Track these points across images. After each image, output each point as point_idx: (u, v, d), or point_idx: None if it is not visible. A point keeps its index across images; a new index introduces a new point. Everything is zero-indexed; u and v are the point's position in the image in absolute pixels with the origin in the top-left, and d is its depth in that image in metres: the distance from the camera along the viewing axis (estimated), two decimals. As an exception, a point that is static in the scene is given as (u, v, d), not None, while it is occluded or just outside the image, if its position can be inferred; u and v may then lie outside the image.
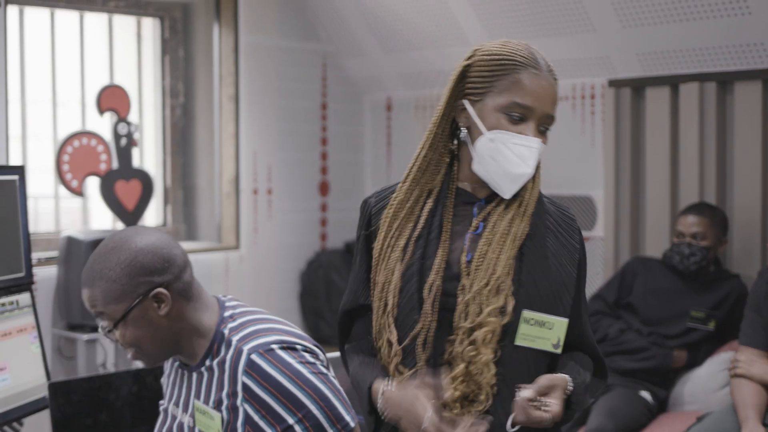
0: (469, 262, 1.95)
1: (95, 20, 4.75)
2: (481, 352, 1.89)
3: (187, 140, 5.10)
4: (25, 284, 3.41)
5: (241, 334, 2.14)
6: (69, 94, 4.65)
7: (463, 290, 1.93)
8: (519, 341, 1.91)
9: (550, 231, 2.00)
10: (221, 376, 2.13)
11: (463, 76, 1.97)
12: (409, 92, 5.36)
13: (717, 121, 4.17)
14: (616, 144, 4.46)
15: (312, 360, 2.11)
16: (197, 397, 2.18)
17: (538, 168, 1.99)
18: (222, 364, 2.14)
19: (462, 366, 1.89)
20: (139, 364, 4.20)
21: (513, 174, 1.93)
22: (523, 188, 1.98)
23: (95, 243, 4.07)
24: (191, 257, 5.02)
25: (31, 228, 4.34)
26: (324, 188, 5.47)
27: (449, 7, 4.65)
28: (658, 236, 4.35)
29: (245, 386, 2.08)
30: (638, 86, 4.41)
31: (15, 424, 3.41)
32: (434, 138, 2.00)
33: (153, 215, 4.99)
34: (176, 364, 2.29)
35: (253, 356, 2.09)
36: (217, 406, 2.11)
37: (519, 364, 1.92)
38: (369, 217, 2.08)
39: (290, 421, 2.06)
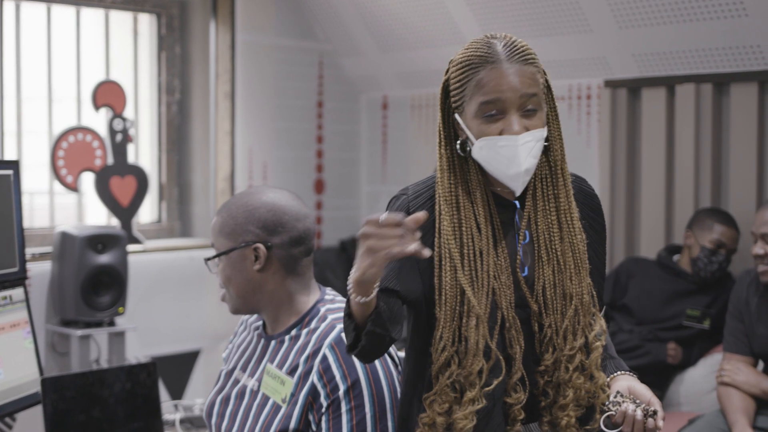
0: (526, 276, 1.94)
1: (92, 16, 4.74)
2: (595, 375, 1.94)
3: (182, 137, 5.09)
4: (19, 279, 3.40)
5: (338, 314, 2.24)
6: (65, 89, 4.64)
7: (537, 313, 1.94)
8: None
9: (584, 219, 2.00)
10: (305, 344, 2.22)
11: (446, 91, 1.97)
12: (406, 91, 5.36)
13: (713, 122, 4.18)
14: (611, 145, 4.46)
15: (392, 366, 2.21)
16: (271, 361, 2.27)
17: (560, 155, 1.96)
18: (310, 333, 2.24)
19: (572, 393, 1.92)
20: (132, 360, 4.20)
21: (509, 175, 1.89)
22: (551, 184, 1.95)
23: (89, 238, 4.07)
24: (185, 254, 5.03)
25: (26, 223, 4.32)
26: (319, 186, 5.47)
27: (446, 7, 4.65)
28: (653, 237, 4.35)
29: (324, 358, 2.16)
30: (634, 87, 4.41)
31: (8, 419, 3.41)
32: (446, 154, 1.97)
33: (148, 212, 4.98)
34: (257, 331, 2.39)
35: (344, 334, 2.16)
36: (291, 372, 2.19)
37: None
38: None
39: (341, 389, 2.14)
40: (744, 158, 4.11)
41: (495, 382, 1.89)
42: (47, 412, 2.81)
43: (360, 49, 5.29)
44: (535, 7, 4.35)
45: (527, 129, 1.86)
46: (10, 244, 3.34)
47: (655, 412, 1.84)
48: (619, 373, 1.95)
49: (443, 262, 1.91)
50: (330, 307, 2.29)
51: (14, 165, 3.43)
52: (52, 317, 4.22)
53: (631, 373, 1.95)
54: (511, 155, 1.86)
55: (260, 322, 2.40)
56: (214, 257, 2.32)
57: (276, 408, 2.18)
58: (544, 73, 1.94)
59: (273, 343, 2.30)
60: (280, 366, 2.23)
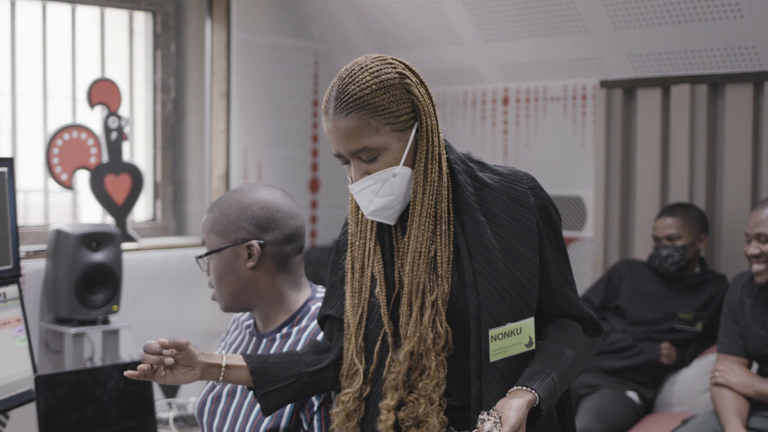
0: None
1: (87, 14, 4.73)
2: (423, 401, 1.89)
3: (177, 136, 5.09)
4: (13, 277, 3.39)
5: None
6: (60, 87, 4.64)
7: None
8: (493, 358, 1.89)
9: (501, 219, 1.94)
10: (296, 342, 2.23)
11: None
12: (401, 91, 5.35)
13: (707, 123, 4.19)
14: (606, 145, 4.46)
15: None
16: None
17: (421, 176, 1.91)
18: (302, 331, 2.24)
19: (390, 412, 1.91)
20: (126, 358, 4.19)
21: (367, 214, 1.94)
22: (414, 214, 1.92)
23: (84, 236, 4.06)
24: (180, 252, 5.02)
25: (21, 221, 4.32)
26: (314, 185, 5.47)
27: (441, 7, 4.65)
28: (647, 238, 4.36)
29: None
30: (629, 87, 4.41)
31: (1, 417, 3.40)
32: None
33: (142, 210, 4.98)
34: (248, 329, 2.38)
35: None
36: None
37: (497, 376, 1.90)
38: (339, 236, 2.13)
39: (334, 401, 2.12)
40: (738, 159, 4.11)
41: (354, 386, 1.96)
42: (40, 410, 2.81)
43: (355, 49, 5.29)
44: (530, 8, 4.35)
45: (368, 173, 1.90)
46: (4, 241, 3.34)
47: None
48: (516, 387, 1.86)
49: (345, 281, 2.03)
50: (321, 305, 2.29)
51: (9, 162, 3.42)
52: (46, 315, 4.21)
53: (527, 388, 1.84)
54: (358, 199, 1.93)
55: (251, 321, 2.39)
56: (206, 255, 2.30)
57: None
58: (408, 92, 1.89)
59: (264, 341, 2.29)
60: None
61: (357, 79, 1.88)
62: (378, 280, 1.95)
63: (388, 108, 1.87)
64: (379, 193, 1.89)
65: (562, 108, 4.64)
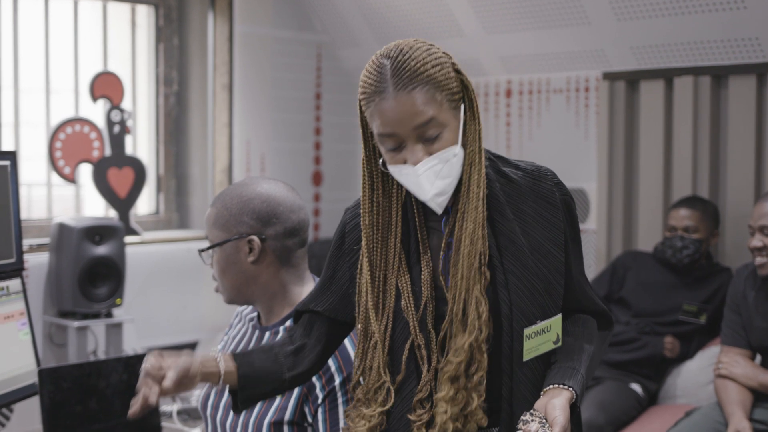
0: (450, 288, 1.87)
1: (89, 7, 4.73)
2: (473, 395, 1.84)
3: (180, 129, 5.09)
4: (16, 270, 3.39)
5: None
6: (62, 81, 4.64)
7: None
8: (527, 357, 1.86)
9: (529, 217, 1.90)
10: None
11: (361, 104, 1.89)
12: (404, 83, 5.34)
13: (711, 115, 4.18)
14: (609, 137, 4.46)
15: None
16: None
17: (476, 157, 1.86)
18: None
19: (442, 407, 1.83)
20: (129, 351, 4.20)
21: (422, 200, 1.83)
22: (469, 194, 1.84)
23: (87, 230, 4.06)
24: (183, 245, 5.02)
25: (24, 215, 4.32)
26: (317, 178, 5.47)
27: (444, -2, 4.64)
28: (650, 230, 4.36)
29: None
30: (633, 79, 4.41)
31: (5, 410, 3.40)
32: (367, 172, 1.92)
33: (145, 203, 4.98)
34: (251, 322, 2.38)
35: None
36: None
37: (528, 374, 1.88)
38: (343, 233, 2.03)
39: (337, 381, 2.14)
40: (742, 151, 4.11)
41: (385, 406, 1.88)
42: (44, 403, 2.81)
43: (358, 41, 5.28)
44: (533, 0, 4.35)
45: (430, 154, 1.80)
46: (7, 235, 3.33)
47: None
48: (551, 386, 1.83)
49: (359, 287, 1.94)
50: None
51: (12, 156, 3.42)
52: (50, 308, 4.22)
53: (563, 386, 1.81)
54: (415, 184, 1.81)
55: (255, 314, 2.39)
56: (208, 249, 2.31)
57: (270, 399, 2.18)
58: (456, 72, 1.84)
59: (267, 334, 2.29)
60: None
61: (414, 56, 1.80)
62: (403, 291, 1.88)
63: (446, 84, 1.81)
64: (440, 174, 1.80)
65: (565, 100, 4.63)
